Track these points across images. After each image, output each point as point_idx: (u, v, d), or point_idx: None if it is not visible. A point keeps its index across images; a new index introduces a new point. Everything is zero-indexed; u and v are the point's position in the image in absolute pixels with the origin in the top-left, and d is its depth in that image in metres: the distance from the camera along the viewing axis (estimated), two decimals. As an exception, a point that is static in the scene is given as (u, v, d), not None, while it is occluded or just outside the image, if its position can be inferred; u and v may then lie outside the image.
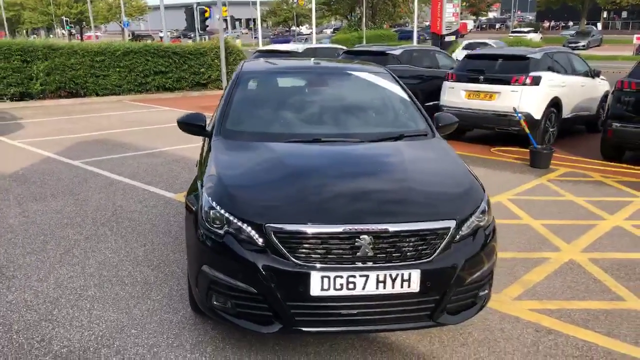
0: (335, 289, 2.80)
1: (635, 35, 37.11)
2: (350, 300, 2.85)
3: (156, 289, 3.94)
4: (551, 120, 9.42)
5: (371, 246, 2.83)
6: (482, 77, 9.45)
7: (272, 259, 2.81)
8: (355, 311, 2.88)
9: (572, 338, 3.39)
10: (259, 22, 38.05)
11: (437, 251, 2.91)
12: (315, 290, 2.79)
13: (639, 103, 7.82)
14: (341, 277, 2.79)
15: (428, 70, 11.62)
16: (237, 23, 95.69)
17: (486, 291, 3.21)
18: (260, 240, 2.85)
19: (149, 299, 3.79)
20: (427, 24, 45.31)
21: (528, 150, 8.31)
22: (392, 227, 2.87)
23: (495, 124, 9.32)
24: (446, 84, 9.98)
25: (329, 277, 2.79)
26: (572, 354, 3.22)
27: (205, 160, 3.60)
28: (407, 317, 2.95)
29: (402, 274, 2.84)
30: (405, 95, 4.45)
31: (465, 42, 28.18)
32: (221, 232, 2.94)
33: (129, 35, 57.38)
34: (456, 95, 9.75)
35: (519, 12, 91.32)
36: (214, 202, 3.04)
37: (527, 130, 8.50)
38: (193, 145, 8.40)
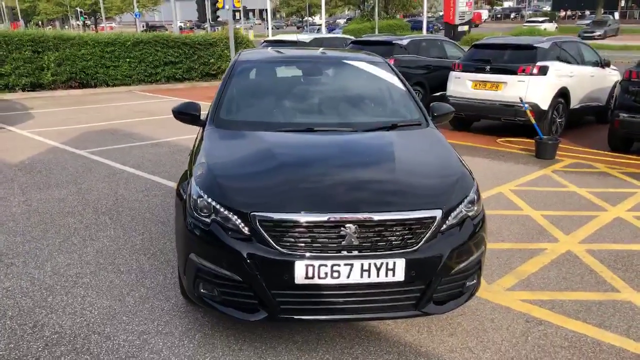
0: (319, 277, 2.81)
1: (653, 25, 36.30)
2: (335, 289, 2.86)
3: (150, 277, 3.99)
4: (559, 110, 9.30)
5: (356, 235, 2.84)
6: (488, 67, 9.36)
7: (258, 247, 2.83)
8: (340, 300, 2.90)
9: (562, 329, 3.37)
10: (269, 12, 37.97)
11: (423, 240, 2.91)
12: (299, 278, 2.80)
13: (648, 93, 7.70)
14: (325, 265, 2.80)
15: (435, 60, 11.55)
16: (250, 14, 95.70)
17: (474, 281, 3.20)
18: (246, 229, 2.87)
19: (142, 287, 3.84)
20: (441, 13, 44.89)
21: (533, 141, 8.24)
22: (377, 216, 2.87)
23: (501, 115, 9.24)
24: (452, 74, 9.90)
25: (313, 266, 2.80)
26: (561, 345, 3.20)
27: (197, 149, 3.62)
28: (393, 306, 2.96)
29: (387, 263, 2.84)
30: (401, 85, 4.43)
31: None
32: (208, 220, 2.97)
33: (142, 26, 57.61)
34: (463, 85, 9.67)
35: (535, 1, 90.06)
36: (201, 191, 3.06)
37: (533, 121, 8.42)
38: (197, 135, 8.45)
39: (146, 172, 6.86)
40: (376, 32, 34.79)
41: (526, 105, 8.50)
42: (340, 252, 2.84)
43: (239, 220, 2.88)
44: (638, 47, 33.00)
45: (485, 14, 72.20)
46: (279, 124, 3.85)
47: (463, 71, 9.72)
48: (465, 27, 38.76)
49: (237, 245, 2.86)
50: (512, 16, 76.27)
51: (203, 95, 14.37)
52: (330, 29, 45.51)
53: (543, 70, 8.90)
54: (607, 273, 4.17)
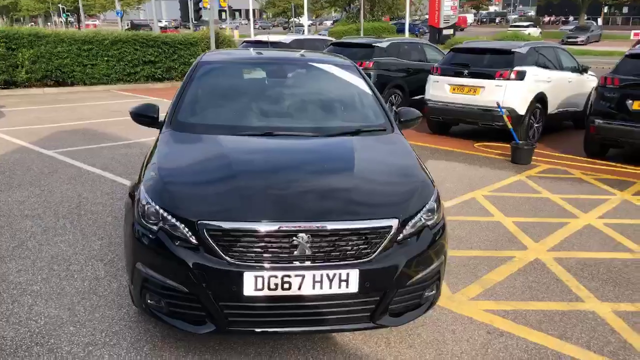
0: (269, 289, 2.70)
1: (633, 31, 36.79)
2: (285, 301, 2.75)
3: (105, 285, 3.84)
4: (536, 115, 9.29)
5: (309, 245, 2.73)
6: (466, 71, 9.32)
7: (205, 257, 2.71)
8: (291, 312, 2.79)
9: (522, 340, 3.29)
10: (250, 12, 37.85)
11: (378, 251, 2.81)
12: (248, 290, 2.69)
13: (623, 100, 7.69)
14: (276, 277, 2.69)
15: (415, 64, 11.50)
16: (237, 13, 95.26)
17: (433, 292, 3.11)
18: (193, 238, 2.75)
19: (94, 295, 3.70)
20: (427, 17, 45.01)
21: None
22: (330, 225, 2.77)
23: (479, 119, 9.21)
24: (431, 78, 9.85)
25: (262, 277, 2.69)
26: (520, 357, 3.12)
27: (151, 153, 3.49)
28: (346, 318, 2.86)
29: (340, 274, 2.74)
30: (367, 89, 4.33)
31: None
32: (155, 228, 2.84)
33: (127, 25, 57.02)
34: (441, 89, 9.62)
35: (520, 6, 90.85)
36: (149, 197, 2.94)
37: (509, 126, 8.39)
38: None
39: (113, 174, 6.69)
40: (361, 34, 34.78)
41: (503, 110, 8.47)
42: (292, 263, 2.73)
43: (187, 229, 2.76)
44: (620, 52, 33.27)
45: (470, 17, 72.62)
46: (237, 128, 3.73)
47: (441, 75, 9.67)
48: (450, 31, 38.98)
49: (183, 254, 2.74)
50: (497, 20, 76.87)
51: (182, 95, 14.15)
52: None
53: (520, 75, 8.88)
54: (573, 282, 4.11)
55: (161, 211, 2.84)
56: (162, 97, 14.17)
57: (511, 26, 50.36)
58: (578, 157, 8.44)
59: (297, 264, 2.73)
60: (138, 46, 16.09)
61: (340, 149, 3.55)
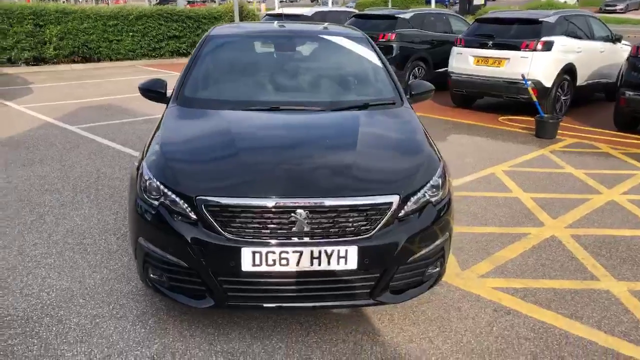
0: (267, 264, 2.70)
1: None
2: (283, 277, 2.74)
3: (116, 258, 3.91)
4: (563, 88, 8.99)
5: (307, 221, 2.71)
6: (491, 42, 9.05)
7: (204, 232, 2.72)
8: (290, 287, 2.78)
9: (530, 319, 3.23)
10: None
11: (378, 227, 2.77)
12: (246, 265, 2.69)
13: (655, 70, 7.37)
14: (273, 252, 2.68)
15: (440, 35, 11.22)
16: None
17: (437, 269, 3.06)
18: (192, 214, 2.75)
19: (105, 268, 3.77)
20: (458, -14, 43.70)
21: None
22: (329, 202, 2.74)
23: (503, 92, 8.96)
24: (454, 50, 9.61)
25: (260, 253, 2.68)
26: (526, 336, 3.06)
27: (157, 128, 3.49)
28: (345, 294, 2.84)
29: (339, 251, 2.71)
30: (378, 62, 4.23)
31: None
32: (156, 203, 2.85)
33: (156, 0, 57.05)
34: (464, 62, 9.38)
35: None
36: (151, 172, 2.95)
37: (534, 99, 8.14)
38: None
39: (132, 149, 6.77)
40: (389, 6, 34.06)
41: (528, 82, 8.21)
42: (290, 239, 2.72)
43: (186, 205, 2.76)
44: (660, 21, 31.93)
45: (504, -14, 70.16)
46: (244, 102, 3.70)
47: (465, 47, 9.42)
48: (481, 0, 37.79)
49: (183, 230, 2.75)
50: (532, -11, 74.09)
51: (205, 70, 14.17)
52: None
53: (547, 46, 8.57)
54: (589, 260, 4.00)
55: (162, 187, 2.85)
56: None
57: (546, -6, 48.50)
58: (607, 131, 8.17)
59: (295, 240, 2.71)
60: (162, 21, 16.12)
61: (345, 123, 3.49)
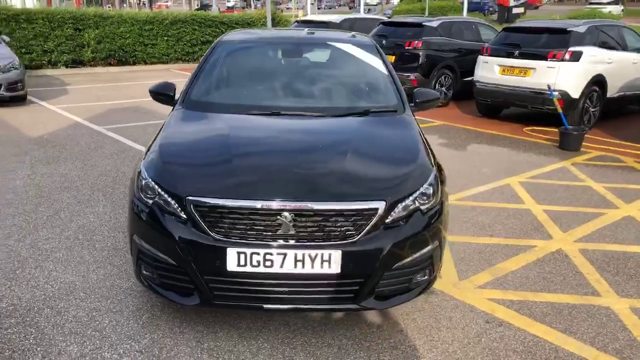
0: (252, 265, 2.75)
1: None
2: (268, 278, 2.79)
3: (121, 255, 4.04)
4: (592, 99, 8.78)
5: (292, 224, 2.75)
6: (517, 51, 8.93)
7: (192, 232, 2.79)
8: (274, 289, 2.83)
9: (521, 332, 3.18)
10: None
11: (363, 232, 2.79)
12: (231, 265, 2.75)
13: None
14: (258, 254, 2.74)
15: (468, 44, 11.10)
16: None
17: (425, 277, 3.06)
18: (183, 214, 2.83)
19: (110, 264, 3.89)
20: (498, -6, 43.13)
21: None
22: (315, 206, 2.78)
23: (528, 102, 8.81)
24: (480, 59, 9.51)
25: (245, 254, 2.74)
26: (515, 349, 3.02)
27: (160, 130, 3.60)
28: (329, 298, 2.86)
29: (322, 254, 2.74)
30: (384, 69, 4.24)
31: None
32: (150, 202, 2.95)
33: (197, 5, 58.35)
34: (490, 71, 9.28)
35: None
36: (146, 172, 3.05)
37: (559, 110, 7.98)
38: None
39: (154, 150, 6.94)
40: (426, 14, 33.89)
41: (554, 92, 8.06)
42: (275, 241, 2.77)
43: (177, 205, 2.85)
44: None
45: (546, -5, 68.83)
46: (246, 107, 3.78)
47: (491, 55, 9.32)
48: (521, 9, 37.20)
49: (173, 229, 2.83)
50: (576, -3, 72.36)
51: (236, 74, 14.40)
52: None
53: (575, 56, 8.40)
54: (593, 275, 3.91)
55: (156, 187, 2.95)
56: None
57: (590, 3, 47.41)
58: (636, 145, 7.93)
59: (280, 242, 2.76)
60: (196, 26, 16.49)
61: (341, 130, 3.53)
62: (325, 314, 3.29)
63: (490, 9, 48.06)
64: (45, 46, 14.25)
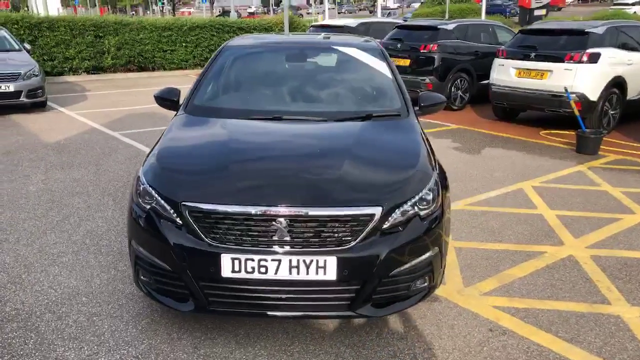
0: (246, 271, 2.73)
1: None
2: (262, 284, 2.77)
3: (125, 260, 4.05)
4: (612, 102, 8.58)
5: (287, 230, 2.73)
6: (533, 54, 8.77)
7: (186, 238, 2.79)
8: (269, 295, 2.80)
9: (525, 341, 3.10)
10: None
11: (359, 239, 2.75)
12: (226, 272, 2.74)
13: None
14: (252, 260, 2.72)
15: (484, 46, 10.97)
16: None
17: (425, 284, 3.00)
18: (178, 219, 2.83)
19: (114, 269, 3.92)
20: (519, -4, 42.58)
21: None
22: (310, 211, 2.74)
23: (545, 105, 8.66)
24: (496, 61, 9.38)
25: (239, 260, 2.72)
26: (516, 358, 2.94)
27: (161, 135, 3.62)
28: (324, 305, 2.83)
29: (318, 261, 2.71)
30: (388, 73, 4.20)
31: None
32: (148, 207, 2.95)
33: (219, 11, 59.08)
34: (506, 73, 9.14)
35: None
36: (144, 177, 3.06)
37: (576, 113, 7.81)
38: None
39: (166, 155, 7.00)
40: (446, 17, 33.65)
41: (570, 95, 7.90)
42: (270, 247, 2.74)
43: (172, 210, 2.84)
44: None
45: (570, -4, 67.74)
46: (248, 112, 3.77)
47: (507, 58, 9.18)
48: (543, 11, 36.65)
49: (169, 234, 2.83)
50: (601, -2, 71.10)
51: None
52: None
53: (593, 58, 8.22)
54: (604, 283, 3.80)
55: (153, 192, 2.95)
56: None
57: (614, 4, 46.45)
58: (657, 148, 7.72)
59: (275, 248, 2.73)
60: (215, 32, 16.63)
61: (342, 134, 3.49)
62: (323, 320, 3.25)
63: (512, 11, 47.48)
64: (67, 53, 14.52)
